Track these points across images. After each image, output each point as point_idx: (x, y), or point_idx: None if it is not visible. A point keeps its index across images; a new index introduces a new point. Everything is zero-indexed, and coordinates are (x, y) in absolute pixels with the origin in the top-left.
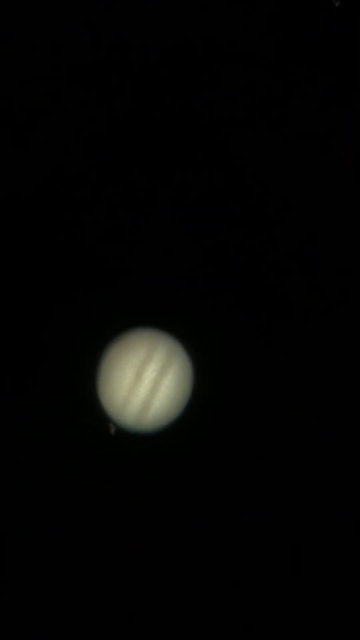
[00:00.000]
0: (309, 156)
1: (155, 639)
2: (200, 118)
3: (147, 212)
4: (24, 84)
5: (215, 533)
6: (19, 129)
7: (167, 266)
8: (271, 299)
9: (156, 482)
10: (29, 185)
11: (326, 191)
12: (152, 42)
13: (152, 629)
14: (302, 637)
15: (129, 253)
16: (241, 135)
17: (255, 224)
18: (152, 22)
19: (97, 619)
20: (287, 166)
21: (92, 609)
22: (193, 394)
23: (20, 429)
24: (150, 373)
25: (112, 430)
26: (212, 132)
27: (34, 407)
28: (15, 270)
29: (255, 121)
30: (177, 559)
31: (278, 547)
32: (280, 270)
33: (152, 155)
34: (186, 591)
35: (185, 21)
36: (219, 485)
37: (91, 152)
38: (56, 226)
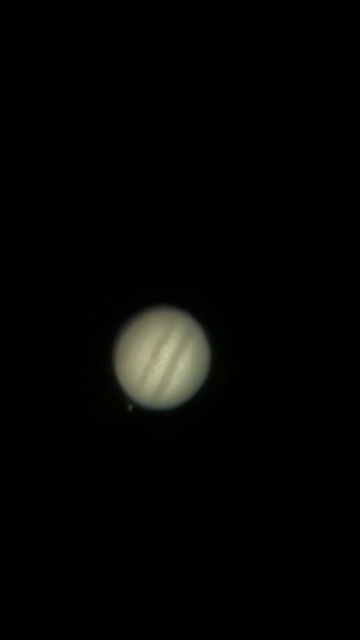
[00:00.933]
0: (309, 156)
1: (168, 622)
2: (200, 118)
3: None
4: (24, 84)
5: (230, 512)
6: (19, 129)
7: (186, 243)
8: (289, 278)
9: (172, 459)
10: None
11: (326, 191)
12: (152, 42)
13: (166, 610)
14: (302, 631)
15: (146, 234)
16: (241, 135)
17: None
18: (152, 22)
19: (110, 596)
20: (287, 166)
21: (104, 585)
22: (209, 372)
23: (38, 408)
24: (167, 352)
25: (129, 409)
26: (212, 132)
27: (51, 386)
28: (34, 248)
29: (255, 121)
30: (191, 537)
31: (291, 529)
32: (297, 253)
33: (152, 155)
34: (199, 570)
35: (185, 21)
36: (235, 464)
37: (91, 152)
38: (77, 201)
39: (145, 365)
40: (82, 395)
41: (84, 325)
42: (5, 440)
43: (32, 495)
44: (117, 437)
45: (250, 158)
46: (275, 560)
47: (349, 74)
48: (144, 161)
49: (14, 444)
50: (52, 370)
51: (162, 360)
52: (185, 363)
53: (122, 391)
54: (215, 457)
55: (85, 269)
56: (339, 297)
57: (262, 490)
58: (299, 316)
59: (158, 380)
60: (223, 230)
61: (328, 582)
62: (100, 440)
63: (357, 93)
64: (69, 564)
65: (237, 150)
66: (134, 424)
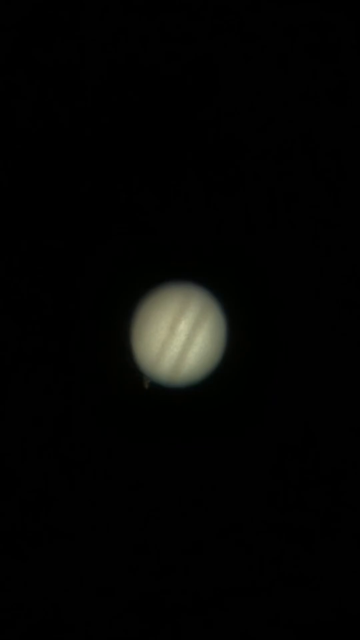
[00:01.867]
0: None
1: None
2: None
3: (179, 167)
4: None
5: (248, 489)
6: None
7: (201, 220)
8: (308, 252)
9: (190, 436)
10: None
11: (342, 163)
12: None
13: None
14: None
15: (163, 206)
16: (259, 111)
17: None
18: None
19: (123, 575)
20: (306, 142)
21: (115, 564)
22: (227, 348)
23: (53, 384)
24: (184, 327)
25: (146, 385)
26: (229, 110)
27: (67, 361)
28: (46, 223)
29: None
30: (208, 514)
31: (310, 508)
32: (317, 227)
33: (165, 131)
34: (214, 548)
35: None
36: (252, 440)
37: (108, 127)
38: (90, 177)
39: (162, 342)
40: (99, 371)
41: (100, 302)
42: (21, 418)
43: (47, 472)
44: (133, 413)
45: (268, 132)
46: (293, 540)
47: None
48: (158, 137)
49: (29, 421)
50: (68, 346)
51: (179, 336)
52: (203, 339)
53: (138, 367)
54: (233, 434)
55: (101, 244)
56: None
57: (281, 468)
58: (320, 290)
59: (175, 356)
60: (241, 204)
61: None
62: (116, 416)
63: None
64: (81, 543)
65: (256, 124)
66: (151, 401)
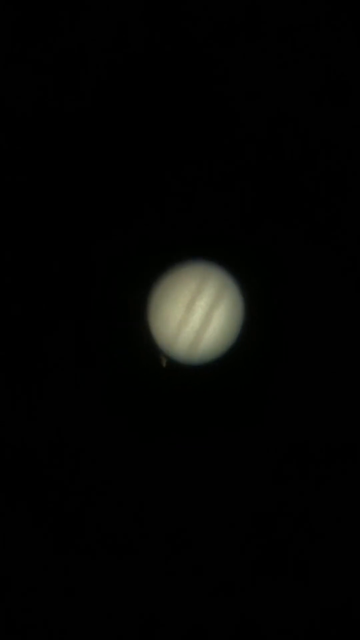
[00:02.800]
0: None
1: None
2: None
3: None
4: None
5: (263, 469)
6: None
7: (220, 197)
8: (326, 232)
9: (207, 414)
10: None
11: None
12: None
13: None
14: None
15: (181, 186)
16: (272, 91)
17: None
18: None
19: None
20: (318, 120)
21: (128, 539)
22: (244, 326)
23: (71, 361)
24: (201, 306)
25: (163, 363)
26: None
27: (84, 340)
28: (67, 202)
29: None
30: (223, 493)
31: (325, 488)
32: (334, 205)
33: (180, 114)
34: (226, 526)
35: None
36: (269, 419)
37: (124, 110)
38: (111, 158)
39: (179, 320)
40: (116, 349)
41: (118, 280)
42: (37, 397)
43: (63, 451)
44: (150, 391)
45: (283, 114)
46: (307, 521)
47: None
48: (173, 119)
49: (45, 401)
50: (85, 324)
51: (196, 314)
52: (220, 317)
53: (155, 345)
54: (250, 412)
55: (120, 224)
56: None
57: (297, 448)
58: (337, 270)
59: (192, 335)
60: (259, 185)
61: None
62: (133, 394)
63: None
64: (92, 521)
65: (270, 105)
66: (168, 378)
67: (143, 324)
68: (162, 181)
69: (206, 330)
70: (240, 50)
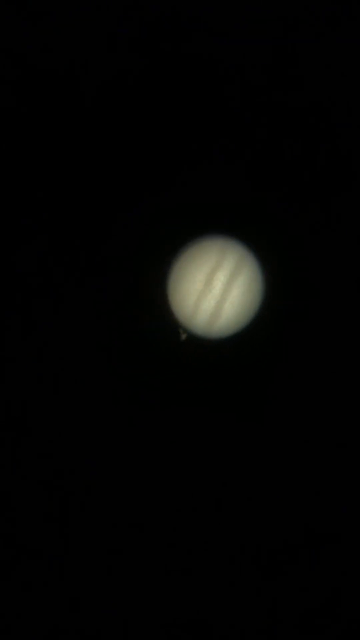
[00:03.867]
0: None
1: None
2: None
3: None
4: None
5: (281, 443)
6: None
7: (239, 172)
8: (344, 206)
9: (225, 387)
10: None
11: None
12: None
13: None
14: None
15: (200, 161)
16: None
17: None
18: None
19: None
20: (335, 90)
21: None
22: (262, 300)
23: (92, 336)
24: (220, 280)
25: (183, 337)
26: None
27: (105, 315)
28: (86, 178)
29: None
30: (241, 465)
31: (343, 465)
32: (353, 180)
33: (197, 90)
34: (241, 500)
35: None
36: (286, 392)
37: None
38: (131, 138)
39: (198, 294)
40: (136, 323)
41: (137, 255)
42: (58, 370)
43: (86, 424)
44: (170, 365)
45: (298, 89)
46: (321, 499)
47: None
48: (191, 98)
49: (66, 373)
50: (106, 298)
51: (215, 288)
52: (238, 291)
53: (175, 319)
54: (267, 385)
55: (140, 199)
56: None
57: (315, 421)
58: (355, 244)
59: (211, 309)
60: (278, 161)
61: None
62: (153, 368)
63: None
64: (111, 487)
65: (285, 84)
66: (187, 352)
67: (162, 298)
68: (182, 157)
69: (225, 304)
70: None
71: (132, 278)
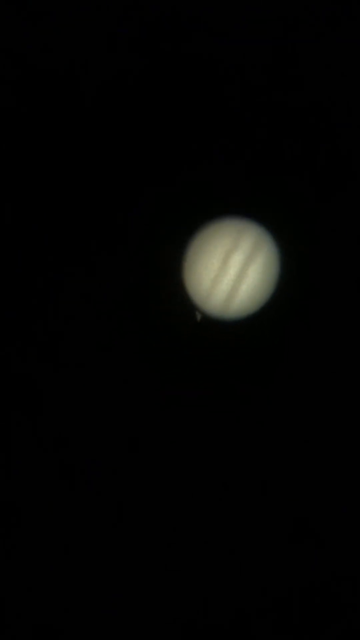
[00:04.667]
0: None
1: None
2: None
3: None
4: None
5: (297, 424)
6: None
7: (255, 155)
8: None
9: (241, 369)
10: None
11: None
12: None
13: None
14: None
15: (217, 142)
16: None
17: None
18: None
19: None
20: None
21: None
22: (279, 282)
23: (107, 317)
24: (236, 261)
25: (198, 318)
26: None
27: (120, 296)
28: (104, 160)
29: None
30: (255, 447)
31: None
32: None
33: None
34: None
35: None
36: (303, 373)
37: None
38: (150, 121)
39: (214, 275)
40: (151, 304)
41: (153, 236)
42: (74, 351)
43: (99, 405)
44: (185, 346)
45: (298, 89)
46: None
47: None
48: (190, 99)
49: (80, 355)
50: (121, 280)
51: (231, 269)
52: (255, 273)
53: (190, 301)
54: (284, 368)
55: (157, 179)
56: None
57: (332, 402)
58: None
59: (227, 290)
60: (294, 141)
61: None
62: (168, 349)
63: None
64: (127, 463)
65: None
66: (203, 334)
67: (178, 279)
68: (198, 138)
69: (241, 285)
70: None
71: (148, 259)
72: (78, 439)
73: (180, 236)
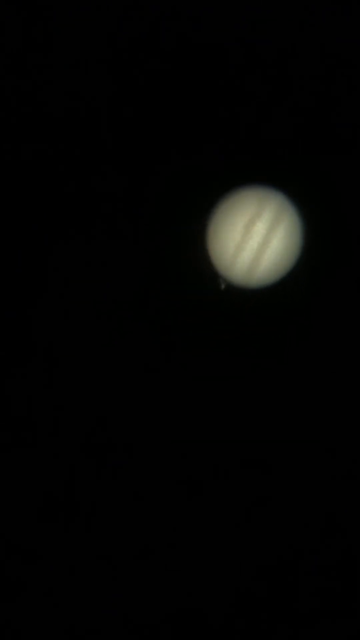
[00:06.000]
0: None
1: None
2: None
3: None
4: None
5: (318, 390)
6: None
7: (278, 124)
8: None
9: (264, 338)
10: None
11: None
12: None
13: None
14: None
15: (238, 112)
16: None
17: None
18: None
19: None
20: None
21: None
22: (302, 250)
23: (130, 287)
24: (259, 230)
25: (222, 287)
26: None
27: (143, 265)
28: (126, 131)
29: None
30: (278, 415)
31: None
32: None
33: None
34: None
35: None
36: (326, 342)
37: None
38: (171, 92)
39: (237, 244)
40: (174, 274)
41: (176, 205)
42: (97, 323)
43: (125, 371)
44: (209, 315)
45: (298, 89)
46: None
47: None
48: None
49: (106, 325)
50: (144, 250)
51: (254, 238)
52: (278, 241)
53: (214, 269)
54: (307, 335)
55: (177, 149)
56: None
57: (353, 371)
58: None
59: (250, 258)
60: (318, 111)
61: None
62: (192, 318)
63: None
64: (144, 435)
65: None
66: (226, 302)
67: (202, 248)
68: (220, 108)
69: (264, 254)
70: None
71: (171, 229)
72: (99, 410)
73: (203, 205)
